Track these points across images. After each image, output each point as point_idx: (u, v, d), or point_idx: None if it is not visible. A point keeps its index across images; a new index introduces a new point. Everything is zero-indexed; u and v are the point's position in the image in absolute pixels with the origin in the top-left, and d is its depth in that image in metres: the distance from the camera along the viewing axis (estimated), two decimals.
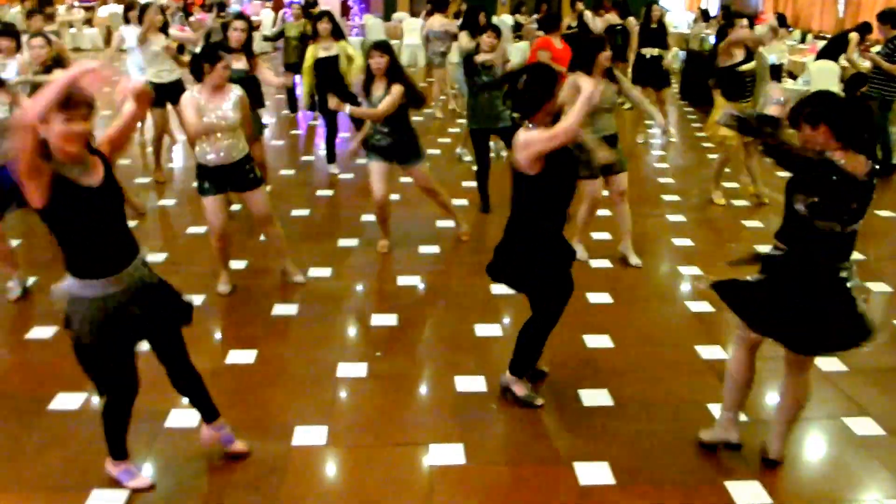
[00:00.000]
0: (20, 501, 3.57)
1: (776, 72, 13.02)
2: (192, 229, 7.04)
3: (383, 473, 3.79)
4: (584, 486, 3.70)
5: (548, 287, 4.18)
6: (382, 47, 6.05)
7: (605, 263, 6.40)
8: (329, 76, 8.26)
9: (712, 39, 13.67)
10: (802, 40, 17.09)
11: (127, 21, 9.02)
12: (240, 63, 6.74)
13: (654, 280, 6.35)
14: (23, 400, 4.40)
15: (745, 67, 7.47)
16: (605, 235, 7.02)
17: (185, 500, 3.58)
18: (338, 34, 8.36)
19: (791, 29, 17.71)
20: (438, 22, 11.52)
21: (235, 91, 5.36)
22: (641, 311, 5.65)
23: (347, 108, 6.08)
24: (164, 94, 7.95)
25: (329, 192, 8.35)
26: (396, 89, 5.95)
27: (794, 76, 13.34)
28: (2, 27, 6.96)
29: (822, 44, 13.73)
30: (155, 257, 6.33)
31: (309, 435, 4.05)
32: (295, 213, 7.56)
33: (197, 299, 5.61)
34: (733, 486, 3.70)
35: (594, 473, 3.78)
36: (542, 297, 4.21)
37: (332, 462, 3.91)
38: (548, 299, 4.21)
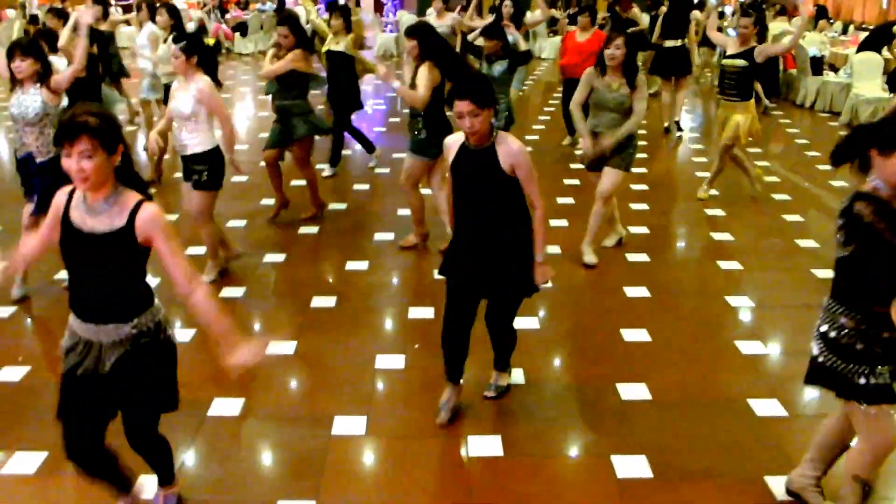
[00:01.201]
0: (73, 486, 3.62)
1: (817, 64, 12.87)
2: (232, 223, 7.12)
3: (421, 464, 3.83)
4: (622, 479, 3.70)
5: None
6: (410, 32, 5.92)
7: (642, 257, 6.38)
8: (341, 70, 8.20)
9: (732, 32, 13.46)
10: (844, 31, 16.85)
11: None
12: None
13: (692, 274, 6.31)
14: None
15: (726, 62, 7.35)
16: (643, 229, 6.99)
17: (228, 488, 3.64)
18: (350, 29, 8.32)
19: (832, 20, 17.46)
20: (443, 18, 11.33)
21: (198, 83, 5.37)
22: (679, 305, 5.61)
23: (396, 83, 5.95)
24: None
25: (365, 187, 8.40)
26: (423, 69, 5.76)
27: (835, 68, 13.16)
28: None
29: (864, 35, 13.50)
30: (195, 250, 6.42)
31: (348, 425, 4.10)
32: (332, 207, 7.61)
33: (238, 291, 5.71)
34: (774, 482, 3.67)
35: (632, 467, 3.78)
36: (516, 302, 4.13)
37: (370, 452, 3.95)
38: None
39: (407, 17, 19.25)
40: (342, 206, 7.67)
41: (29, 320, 5.39)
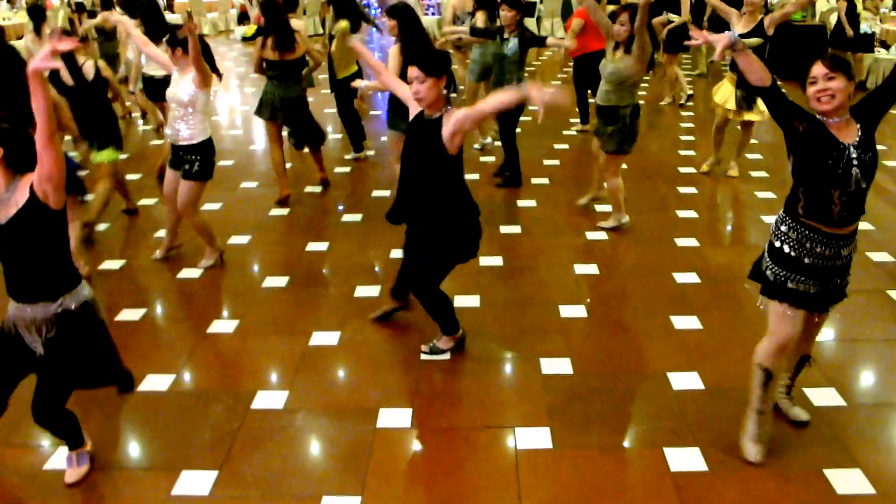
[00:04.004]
0: (115, 481, 3.64)
1: (868, 41, 12.50)
2: (274, 211, 7.11)
3: (468, 457, 3.75)
4: (676, 472, 3.59)
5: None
6: (390, 11, 6.10)
7: (691, 242, 6.23)
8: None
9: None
10: (895, 7, 16.34)
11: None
12: None
13: (743, 259, 6.14)
14: None
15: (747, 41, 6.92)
16: (692, 213, 6.84)
17: (272, 483, 3.60)
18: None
19: None
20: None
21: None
22: (731, 290, 5.47)
23: (361, 83, 6.06)
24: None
25: None
26: (392, 50, 6.01)
27: (886, 45, 12.78)
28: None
29: None
30: (240, 239, 6.43)
31: (394, 417, 4.04)
32: (376, 194, 7.57)
33: (281, 281, 5.68)
34: (833, 474, 3.56)
35: (685, 459, 3.67)
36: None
37: (417, 444, 3.89)
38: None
39: None
40: (385, 193, 7.60)
41: None
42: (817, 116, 3.33)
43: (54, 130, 2.98)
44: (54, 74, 5.95)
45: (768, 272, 3.52)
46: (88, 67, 6.13)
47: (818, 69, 3.26)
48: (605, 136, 6.17)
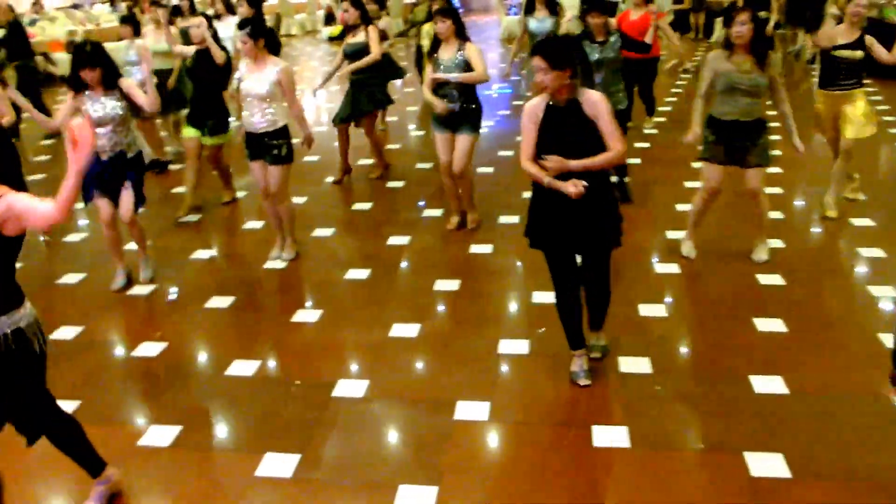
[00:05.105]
0: (201, 461, 3.79)
1: None
2: (357, 206, 7.23)
3: (545, 453, 3.76)
4: (756, 478, 3.53)
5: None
6: (443, 12, 6.19)
7: (776, 243, 6.08)
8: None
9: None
10: None
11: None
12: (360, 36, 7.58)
13: (830, 261, 5.99)
14: (202, 365, 4.69)
15: (841, 53, 6.45)
16: (777, 214, 6.68)
17: (350, 469, 3.68)
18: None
19: None
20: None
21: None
22: (817, 293, 5.33)
23: (453, 75, 6.07)
24: None
25: (489, 170, 8.34)
26: (474, 49, 6.10)
27: None
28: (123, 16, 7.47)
29: None
30: (323, 232, 6.57)
31: (471, 410, 4.08)
32: None
33: (363, 273, 5.79)
34: None
35: (767, 465, 3.60)
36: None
37: (493, 438, 3.92)
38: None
39: None
40: None
41: (170, 297, 5.61)
42: None
43: (73, 202, 2.84)
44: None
45: None
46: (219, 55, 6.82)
47: None
48: (766, 150, 5.64)
